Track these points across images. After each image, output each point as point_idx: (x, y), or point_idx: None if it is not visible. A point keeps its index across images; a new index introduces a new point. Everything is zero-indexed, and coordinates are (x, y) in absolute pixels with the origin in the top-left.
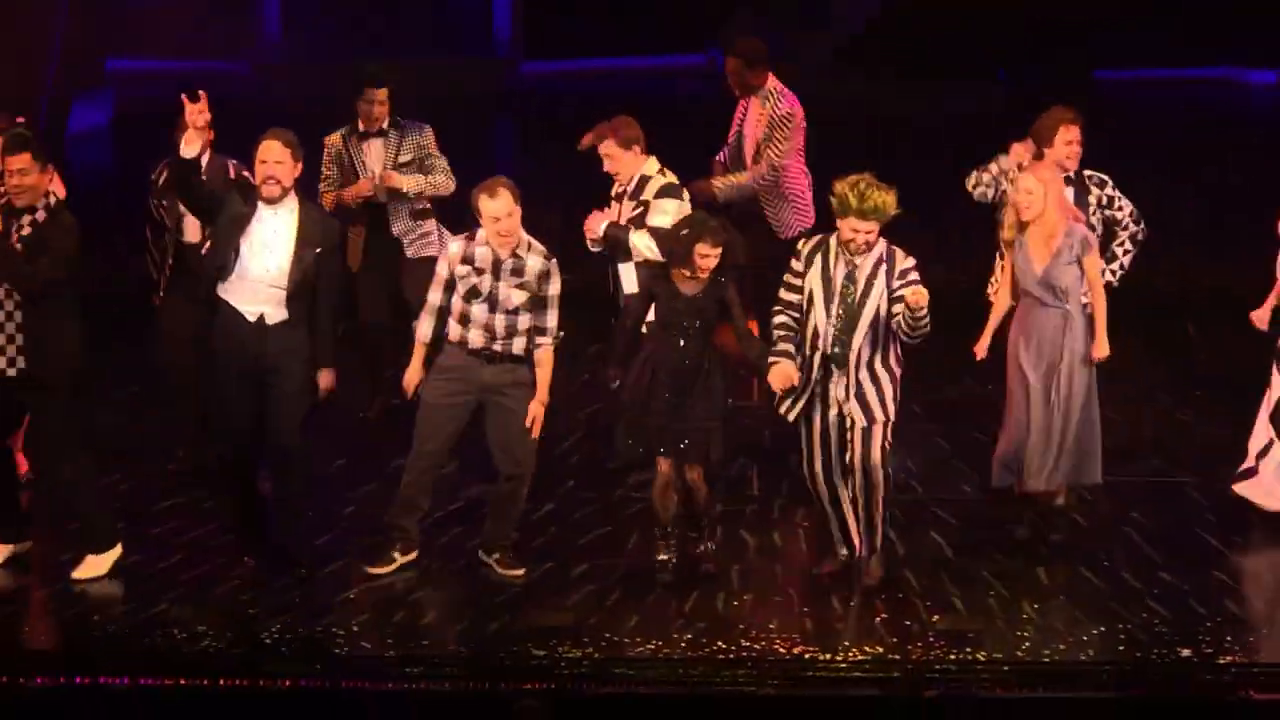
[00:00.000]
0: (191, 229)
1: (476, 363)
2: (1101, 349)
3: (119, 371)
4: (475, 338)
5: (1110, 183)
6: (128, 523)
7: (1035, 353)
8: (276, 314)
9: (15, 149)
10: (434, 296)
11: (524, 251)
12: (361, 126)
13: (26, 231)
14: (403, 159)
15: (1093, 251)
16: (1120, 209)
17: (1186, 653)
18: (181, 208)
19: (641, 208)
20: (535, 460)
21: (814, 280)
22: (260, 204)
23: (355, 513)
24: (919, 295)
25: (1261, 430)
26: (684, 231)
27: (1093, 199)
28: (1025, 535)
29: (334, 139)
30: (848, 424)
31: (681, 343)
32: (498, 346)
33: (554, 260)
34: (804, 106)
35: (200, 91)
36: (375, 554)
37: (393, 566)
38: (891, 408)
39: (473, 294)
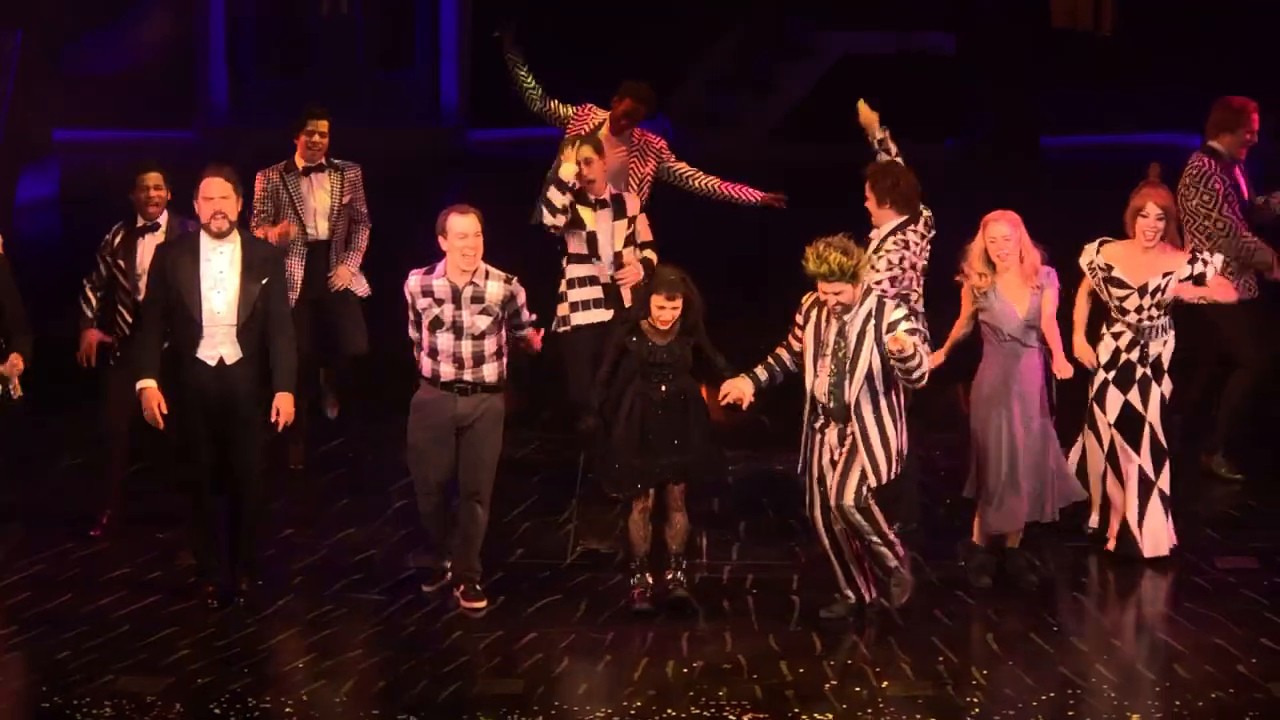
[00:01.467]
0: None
1: (450, 396)
2: (1064, 368)
3: (70, 438)
4: (446, 370)
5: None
6: (74, 593)
7: (1021, 397)
8: (233, 354)
9: None
10: (413, 333)
11: (481, 279)
12: (301, 163)
13: None
14: (345, 199)
15: (1055, 285)
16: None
17: (1136, 718)
18: (138, 269)
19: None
20: (492, 485)
21: (809, 336)
22: (206, 241)
23: (304, 578)
24: (896, 341)
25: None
26: (646, 282)
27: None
28: (987, 584)
29: (271, 174)
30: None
31: (663, 388)
32: (468, 376)
33: (514, 280)
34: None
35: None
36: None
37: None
38: (883, 462)
39: (436, 324)
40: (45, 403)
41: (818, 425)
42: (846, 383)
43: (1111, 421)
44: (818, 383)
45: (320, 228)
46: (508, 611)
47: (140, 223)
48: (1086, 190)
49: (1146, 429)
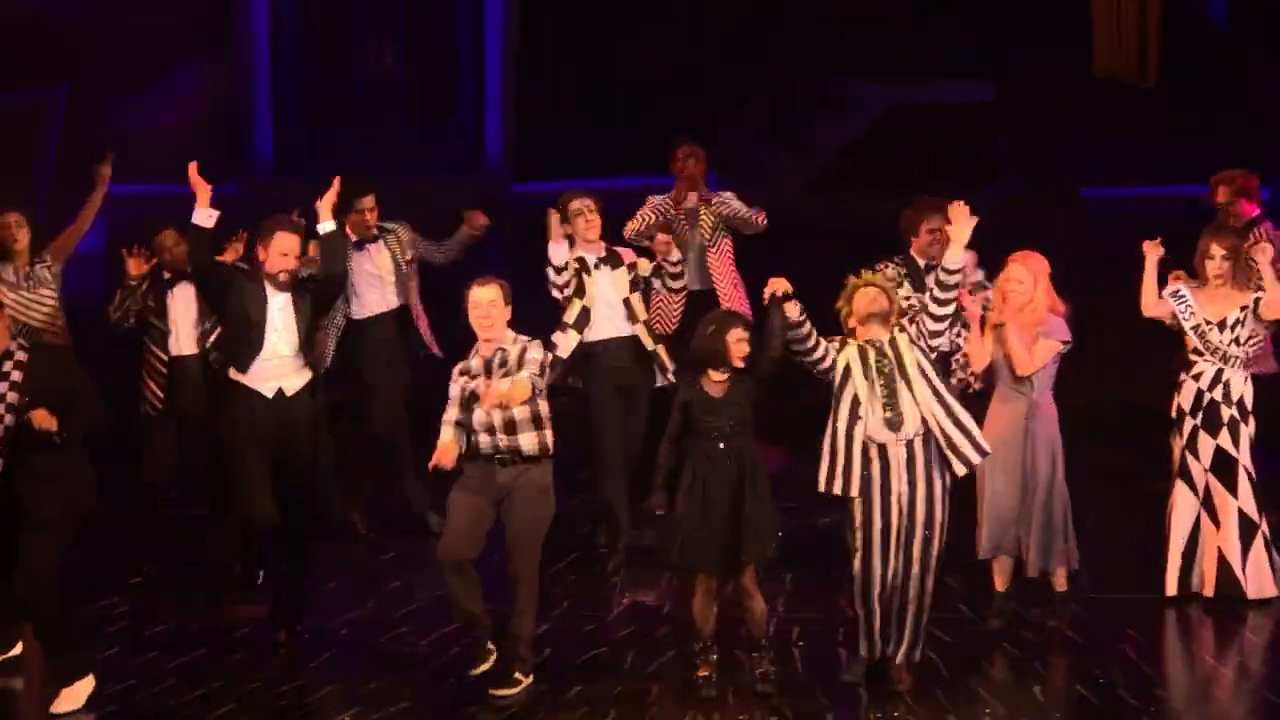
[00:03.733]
0: (184, 341)
1: (491, 468)
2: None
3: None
4: (483, 441)
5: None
6: (121, 646)
7: (1001, 439)
8: (294, 383)
9: None
10: (449, 414)
11: (509, 345)
12: (354, 237)
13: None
14: (408, 256)
15: (1060, 336)
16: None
17: None
18: (170, 321)
19: None
20: (537, 567)
21: (847, 389)
22: (269, 290)
23: (349, 630)
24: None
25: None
26: (710, 329)
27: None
28: (998, 625)
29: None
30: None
31: (721, 445)
32: (502, 443)
33: (534, 341)
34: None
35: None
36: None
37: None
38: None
39: (472, 398)
40: (93, 453)
41: (875, 473)
42: (906, 405)
43: (1207, 467)
44: (872, 422)
45: (389, 296)
46: (553, 664)
47: (167, 275)
48: (1127, 241)
49: (1241, 471)
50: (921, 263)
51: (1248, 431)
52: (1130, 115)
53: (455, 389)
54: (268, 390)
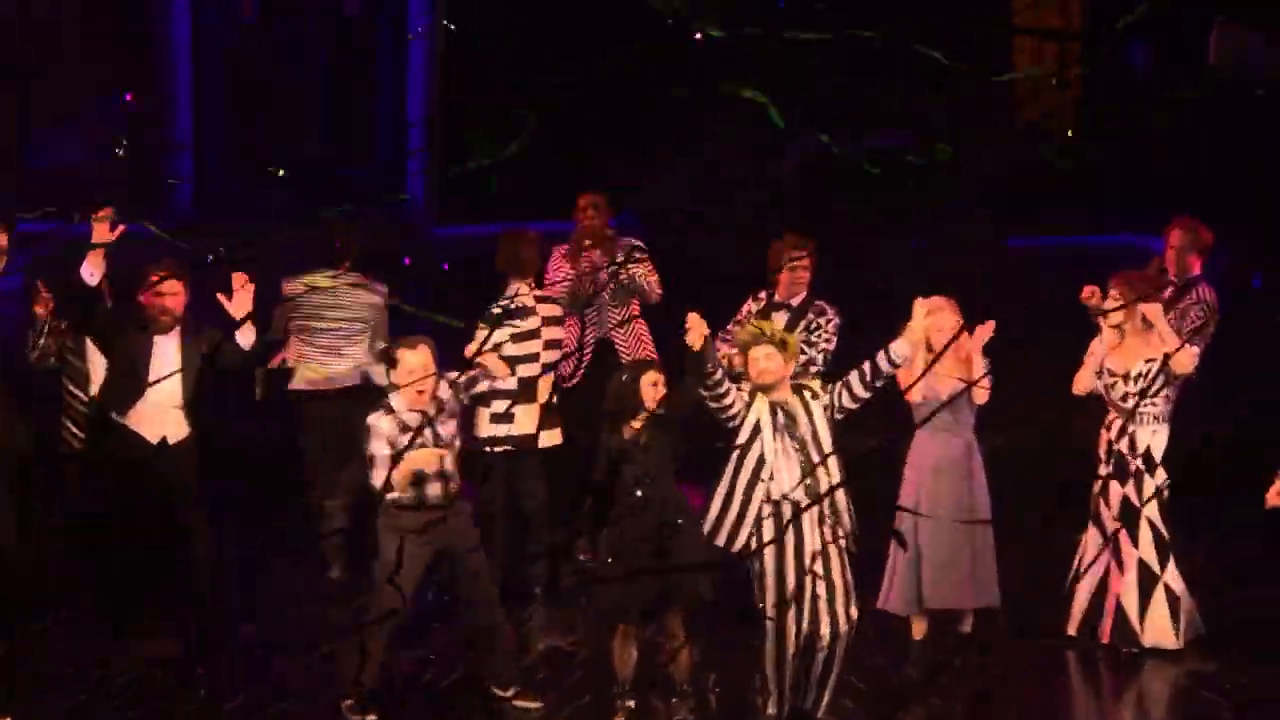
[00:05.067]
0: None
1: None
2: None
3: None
4: (433, 490)
5: (829, 315)
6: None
7: (943, 480)
8: (177, 432)
9: None
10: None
11: (445, 395)
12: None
13: None
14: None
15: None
16: (820, 340)
17: None
18: (85, 360)
19: None
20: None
21: (754, 445)
22: (156, 333)
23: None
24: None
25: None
26: (624, 378)
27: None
28: (916, 675)
29: (295, 287)
30: (820, 579)
31: (639, 493)
32: (453, 486)
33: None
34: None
35: (106, 205)
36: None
37: None
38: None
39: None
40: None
41: (788, 531)
42: (819, 470)
43: (1115, 515)
44: (779, 481)
45: None
46: (467, 707)
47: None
48: (1050, 290)
49: (1144, 522)
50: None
51: (1153, 483)
52: (1052, 166)
53: (388, 450)
54: (150, 435)
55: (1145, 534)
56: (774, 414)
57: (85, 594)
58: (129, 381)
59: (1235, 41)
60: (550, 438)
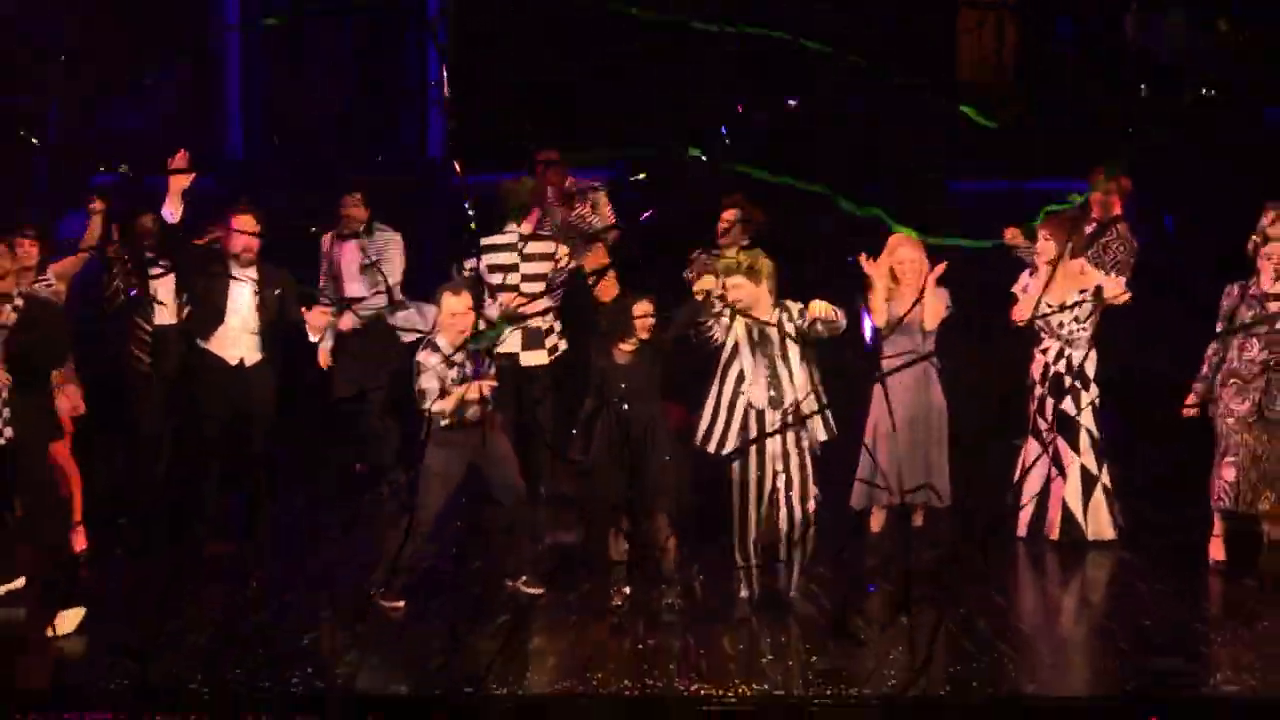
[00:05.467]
0: (165, 312)
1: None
2: None
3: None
4: (469, 412)
5: None
6: (110, 579)
7: (903, 392)
8: (252, 355)
9: None
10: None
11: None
12: (345, 229)
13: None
14: (365, 261)
15: (943, 300)
16: None
17: (1031, 687)
18: (152, 295)
19: None
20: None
21: (743, 351)
22: (233, 267)
23: (315, 571)
24: (815, 310)
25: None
26: (620, 306)
27: None
28: (873, 563)
29: (326, 238)
30: (779, 474)
31: (625, 407)
32: (489, 408)
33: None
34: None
35: (180, 151)
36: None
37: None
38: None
39: (463, 379)
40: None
41: (755, 432)
42: (785, 383)
43: (1053, 427)
44: (754, 391)
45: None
46: (482, 595)
47: (147, 256)
48: (988, 229)
49: (1083, 431)
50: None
51: (1088, 396)
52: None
53: (435, 383)
54: (230, 358)
55: (1084, 441)
56: (749, 333)
57: (156, 499)
58: (210, 310)
59: (1150, 20)
60: (532, 357)
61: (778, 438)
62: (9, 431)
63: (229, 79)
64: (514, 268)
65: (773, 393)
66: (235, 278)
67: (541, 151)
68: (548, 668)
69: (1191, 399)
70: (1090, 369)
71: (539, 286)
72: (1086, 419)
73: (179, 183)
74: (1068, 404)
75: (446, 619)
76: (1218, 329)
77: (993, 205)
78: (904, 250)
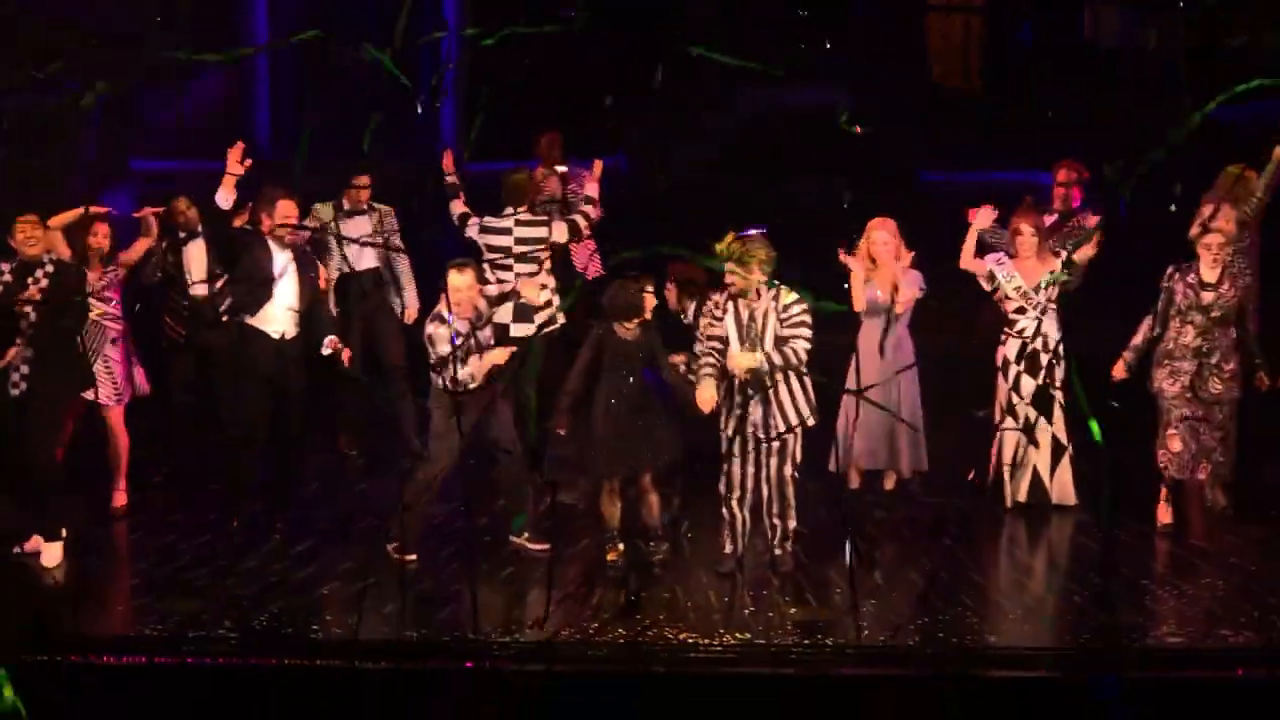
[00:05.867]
0: (198, 286)
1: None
2: None
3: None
4: (474, 378)
5: None
6: (143, 532)
7: (879, 365)
8: (291, 330)
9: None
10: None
11: (482, 306)
12: (346, 205)
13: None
14: (376, 237)
15: (914, 284)
16: None
17: (993, 638)
18: (186, 270)
19: None
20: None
21: (730, 326)
22: (274, 248)
23: (327, 523)
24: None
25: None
26: (628, 288)
27: None
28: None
29: (323, 209)
30: (762, 439)
31: (631, 379)
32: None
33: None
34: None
35: (239, 142)
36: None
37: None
38: (797, 419)
39: (466, 353)
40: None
41: (737, 401)
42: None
43: (1029, 402)
44: (739, 361)
45: (369, 258)
46: (490, 549)
47: (181, 234)
48: (956, 218)
49: (1056, 404)
50: None
51: (1059, 371)
52: (959, 113)
53: (446, 349)
54: (273, 333)
55: (1057, 413)
56: (737, 314)
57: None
58: (258, 288)
59: (1106, 17)
60: (521, 329)
61: (761, 411)
62: (24, 385)
63: (258, 81)
64: (507, 250)
65: (754, 370)
66: (275, 256)
67: (545, 132)
68: (548, 617)
69: (1120, 366)
70: (1062, 345)
71: (532, 266)
72: (1058, 393)
73: (235, 171)
74: (1042, 378)
75: (454, 571)
76: (1157, 307)
77: (962, 195)
78: (877, 233)
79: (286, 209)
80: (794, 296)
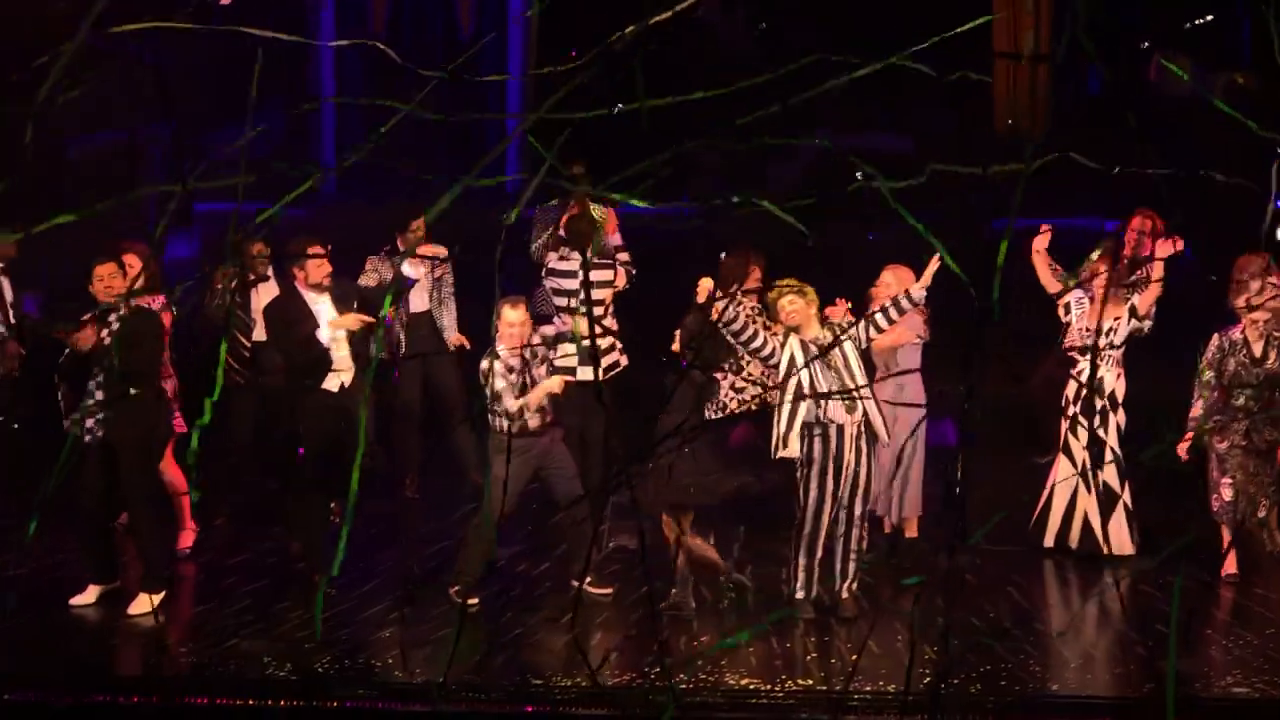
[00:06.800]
0: (259, 330)
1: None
2: None
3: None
4: (532, 420)
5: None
6: (206, 575)
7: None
8: (349, 377)
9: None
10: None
11: (535, 342)
12: (402, 247)
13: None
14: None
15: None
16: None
17: (1055, 687)
18: (253, 313)
19: None
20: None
21: (791, 378)
22: (313, 295)
23: (389, 565)
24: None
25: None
26: (706, 330)
27: None
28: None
29: (376, 259)
30: (846, 474)
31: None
32: (547, 416)
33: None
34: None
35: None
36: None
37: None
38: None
39: (521, 390)
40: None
41: (832, 447)
42: (850, 383)
43: (1084, 445)
44: (830, 407)
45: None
46: (552, 595)
47: (251, 277)
48: (1027, 262)
49: (1109, 451)
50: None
51: (1115, 420)
52: (1024, 161)
53: (501, 383)
54: (332, 385)
55: (1108, 460)
56: (804, 349)
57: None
58: (316, 357)
59: (1173, 68)
60: (584, 373)
61: (851, 449)
62: (99, 432)
63: (323, 121)
64: (576, 293)
65: (846, 401)
66: (317, 309)
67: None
68: (608, 662)
69: (1183, 448)
70: (1119, 393)
71: (598, 310)
72: (1112, 439)
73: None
74: (1096, 423)
75: (515, 615)
76: (1206, 375)
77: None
78: (885, 275)
79: (318, 264)
80: (841, 321)
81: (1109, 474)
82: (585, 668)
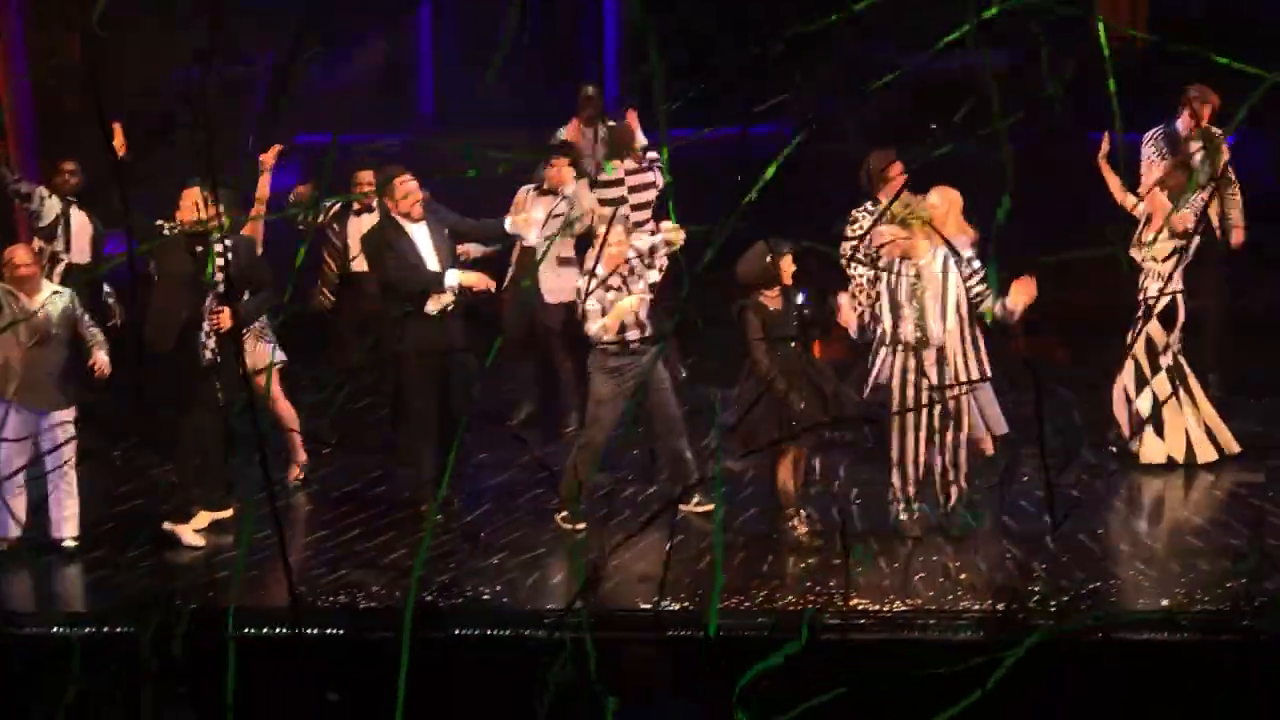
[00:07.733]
0: (360, 260)
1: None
2: None
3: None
4: (632, 335)
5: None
6: (325, 505)
7: None
8: (449, 298)
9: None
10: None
11: (633, 258)
12: (547, 185)
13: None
14: (559, 211)
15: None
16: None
17: (1164, 601)
18: (342, 237)
19: None
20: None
21: (885, 296)
22: (409, 228)
23: (494, 497)
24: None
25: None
26: (764, 257)
27: None
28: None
29: (523, 192)
30: (936, 406)
31: (791, 345)
32: (647, 331)
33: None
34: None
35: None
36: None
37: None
38: (967, 378)
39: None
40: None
41: (910, 366)
42: (933, 318)
43: (1177, 351)
44: (904, 328)
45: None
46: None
47: (356, 207)
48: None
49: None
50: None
51: (1148, 330)
52: (1128, 74)
53: (596, 305)
54: (433, 309)
55: (1187, 370)
56: (905, 275)
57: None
58: (417, 274)
59: None
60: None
61: (934, 372)
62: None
63: (421, 50)
64: (622, 200)
65: (919, 333)
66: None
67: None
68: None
69: None
70: (1181, 308)
71: (645, 214)
72: (1139, 349)
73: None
74: (1172, 337)
75: (621, 541)
76: None
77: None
78: (933, 195)
79: (405, 187)
80: (971, 252)
81: (1192, 383)
82: (692, 593)
